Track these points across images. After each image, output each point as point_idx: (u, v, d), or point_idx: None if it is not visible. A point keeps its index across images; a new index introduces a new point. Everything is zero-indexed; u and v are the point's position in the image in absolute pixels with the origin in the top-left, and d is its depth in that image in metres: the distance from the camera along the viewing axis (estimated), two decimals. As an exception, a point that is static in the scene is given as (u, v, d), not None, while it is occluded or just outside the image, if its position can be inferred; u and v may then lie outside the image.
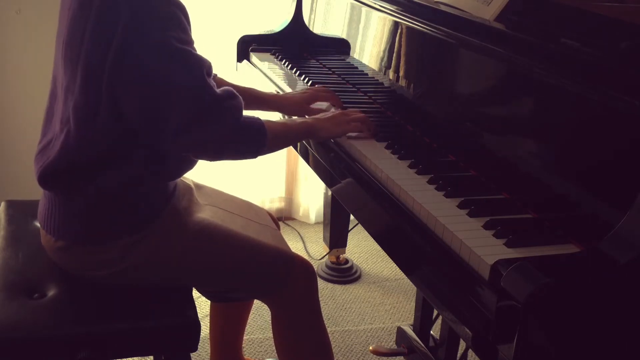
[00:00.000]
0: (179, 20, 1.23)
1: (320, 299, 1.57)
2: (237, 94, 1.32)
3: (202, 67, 1.25)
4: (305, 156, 1.68)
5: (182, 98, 1.23)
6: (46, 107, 1.40)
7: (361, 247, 2.76)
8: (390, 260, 1.56)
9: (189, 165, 1.40)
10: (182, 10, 1.24)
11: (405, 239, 1.18)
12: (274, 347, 1.64)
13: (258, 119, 1.35)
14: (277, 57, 2.06)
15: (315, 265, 2.53)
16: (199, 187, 1.58)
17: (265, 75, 1.94)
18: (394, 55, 1.66)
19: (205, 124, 1.25)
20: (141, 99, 1.23)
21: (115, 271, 1.35)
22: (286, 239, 1.60)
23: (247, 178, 2.79)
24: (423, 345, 1.82)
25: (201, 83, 1.24)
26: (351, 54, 1.93)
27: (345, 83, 1.82)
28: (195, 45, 1.28)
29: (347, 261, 2.58)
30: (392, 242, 1.27)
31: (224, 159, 1.43)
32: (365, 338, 2.19)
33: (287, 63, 1.99)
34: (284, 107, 1.63)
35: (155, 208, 1.36)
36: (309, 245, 2.75)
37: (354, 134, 1.47)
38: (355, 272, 2.57)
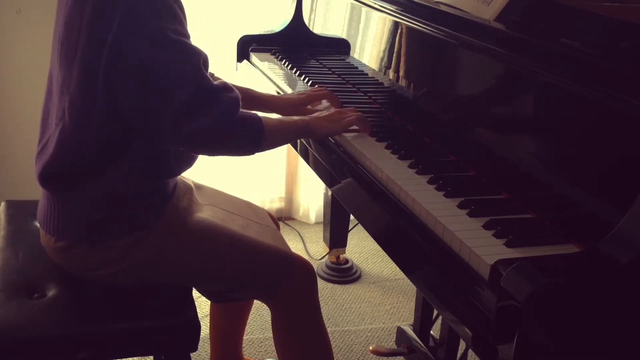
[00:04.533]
0: (175, 13, 1.24)
1: (320, 299, 1.57)
2: (234, 88, 1.32)
3: (199, 58, 1.25)
4: (305, 156, 1.68)
5: (178, 88, 1.23)
6: (42, 107, 1.40)
7: (361, 247, 2.76)
8: (390, 260, 1.56)
9: (188, 163, 1.40)
10: (178, 3, 1.25)
11: (405, 239, 1.18)
12: (274, 347, 1.64)
13: (256, 114, 1.36)
14: (277, 57, 2.06)
15: (315, 265, 2.53)
16: (198, 187, 1.58)
17: (265, 76, 1.94)
18: (394, 55, 1.66)
19: (201, 114, 1.25)
20: (137, 90, 1.23)
21: (115, 271, 1.35)
22: (286, 239, 1.60)
23: (247, 178, 2.79)
24: (423, 345, 1.82)
25: (197, 73, 1.24)
26: (351, 54, 1.93)
27: (345, 83, 1.82)
28: (196, 45, 1.28)
29: (347, 261, 2.58)
30: (392, 242, 1.27)
31: (222, 154, 1.40)
32: (365, 338, 2.19)
33: (287, 63, 1.99)
34: (280, 107, 1.63)
35: (155, 207, 1.36)
36: (309, 245, 2.75)
37: (358, 135, 1.47)
38: (355, 272, 2.57)
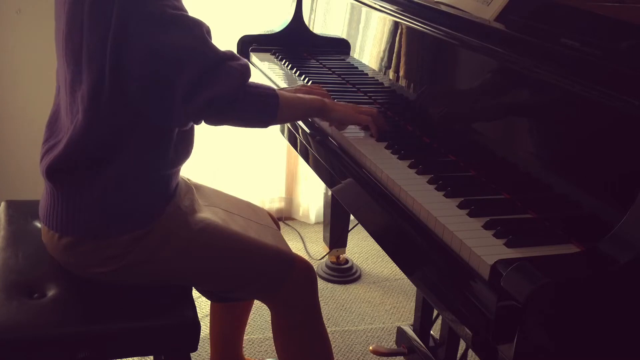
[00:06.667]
0: None
1: (320, 299, 1.57)
2: (241, 57, 1.34)
3: (201, 27, 1.27)
4: (305, 156, 1.68)
5: (185, 60, 1.24)
6: (52, 109, 1.40)
7: (361, 247, 2.76)
8: (390, 260, 1.57)
9: (186, 152, 1.40)
10: None
11: (405, 239, 1.18)
12: (274, 347, 1.64)
13: (270, 86, 1.39)
14: (277, 57, 2.06)
15: (315, 265, 2.53)
16: (198, 187, 1.58)
17: (265, 75, 1.94)
18: (394, 55, 1.66)
19: (212, 81, 1.26)
20: (145, 71, 1.24)
21: (116, 269, 1.35)
22: (286, 239, 1.60)
23: (247, 178, 2.79)
24: (423, 345, 1.82)
25: (202, 42, 1.26)
26: (351, 54, 1.93)
27: (345, 83, 1.82)
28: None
29: (347, 261, 2.58)
30: (392, 242, 1.27)
31: (237, 123, 1.40)
32: (365, 338, 2.19)
33: (287, 63, 1.99)
34: None
35: (157, 205, 1.36)
36: (309, 245, 2.75)
37: (359, 135, 1.47)
38: (355, 272, 2.57)
